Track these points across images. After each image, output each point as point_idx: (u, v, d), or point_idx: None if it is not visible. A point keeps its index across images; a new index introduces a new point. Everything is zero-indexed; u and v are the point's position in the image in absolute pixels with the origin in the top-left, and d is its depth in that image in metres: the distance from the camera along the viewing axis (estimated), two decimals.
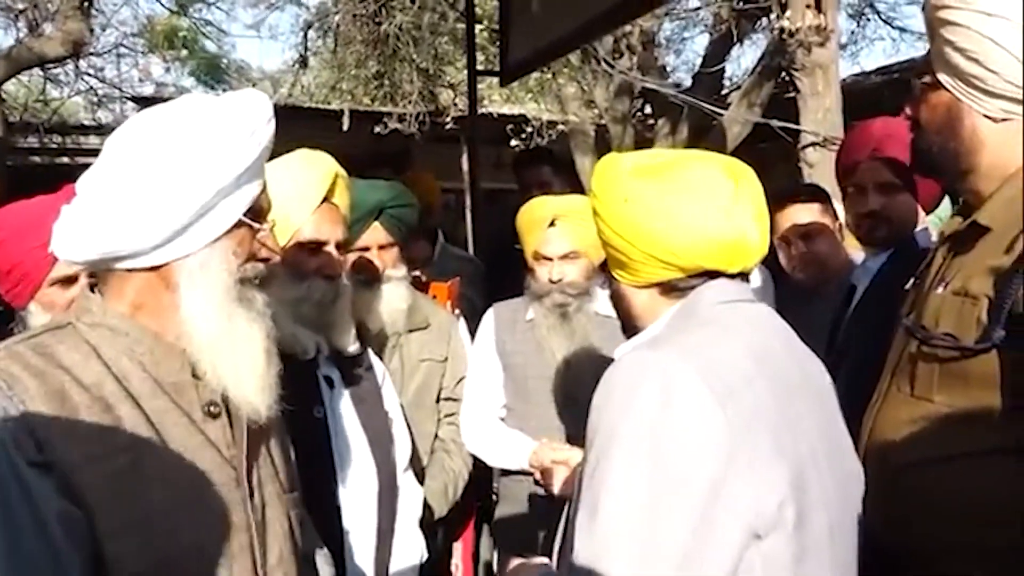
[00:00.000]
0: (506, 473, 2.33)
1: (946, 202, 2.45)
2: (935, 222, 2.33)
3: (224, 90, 14.16)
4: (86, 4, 7.31)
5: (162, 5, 11.48)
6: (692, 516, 0.98)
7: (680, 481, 0.99)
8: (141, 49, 12.10)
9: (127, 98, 10.42)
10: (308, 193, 1.73)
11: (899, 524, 1.33)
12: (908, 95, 1.50)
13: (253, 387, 1.15)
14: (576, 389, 2.21)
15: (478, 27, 7.63)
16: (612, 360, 2.25)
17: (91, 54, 10.25)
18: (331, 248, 1.74)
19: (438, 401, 2.41)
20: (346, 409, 1.78)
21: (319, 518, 1.67)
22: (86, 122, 10.41)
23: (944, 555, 1.26)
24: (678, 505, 0.98)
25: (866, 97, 6.01)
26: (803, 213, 2.49)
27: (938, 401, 1.29)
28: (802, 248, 2.49)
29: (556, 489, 2.14)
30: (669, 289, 1.20)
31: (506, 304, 2.43)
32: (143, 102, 7.78)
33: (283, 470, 1.30)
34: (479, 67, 5.32)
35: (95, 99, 10.99)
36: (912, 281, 1.58)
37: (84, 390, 1.05)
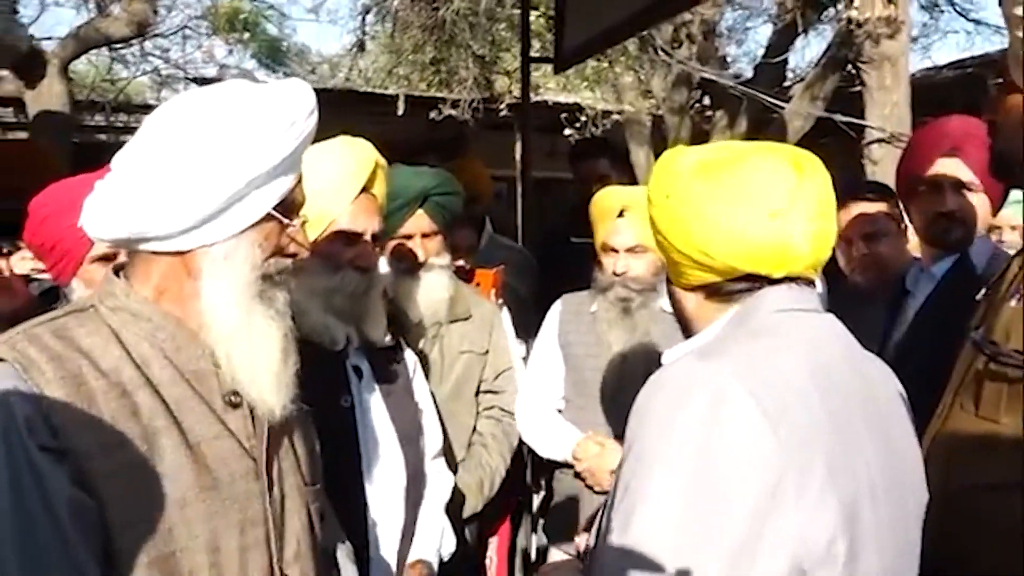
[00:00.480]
0: (558, 465, 2.31)
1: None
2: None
3: (285, 73, 14.39)
4: None
5: None
6: (731, 545, 0.92)
7: (721, 505, 0.93)
8: (205, 31, 12.32)
9: (190, 79, 10.62)
10: (346, 183, 1.69)
11: (952, 548, 1.24)
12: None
13: (267, 384, 1.11)
14: (631, 386, 2.14)
15: (535, 14, 7.54)
16: None
17: (157, 35, 10.48)
18: (367, 239, 1.71)
19: (477, 394, 2.37)
20: (375, 400, 1.75)
21: (345, 510, 1.65)
22: (151, 101, 10.65)
23: None
24: (716, 531, 0.92)
25: (936, 92, 5.77)
26: (867, 212, 2.37)
27: (1005, 423, 1.20)
28: (863, 249, 2.37)
29: (596, 486, 2.11)
30: (714, 293, 1.13)
31: (573, 296, 2.42)
32: (206, 83, 7.89)
33: (306, 462, 1.27)
34: (534, 54, 5.25)
35: (160, 79, 11.24)
36: (984, 291, 1.48)
37: (102, 375, 1.03)
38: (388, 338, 1.80)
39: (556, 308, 2.43)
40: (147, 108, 9.89)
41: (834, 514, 0.95)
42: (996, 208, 2.21)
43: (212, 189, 1.05)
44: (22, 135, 7.65)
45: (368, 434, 1.70)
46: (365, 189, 1.73)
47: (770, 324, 1.08)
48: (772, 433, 0.94)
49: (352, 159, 1.72)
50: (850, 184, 2.63)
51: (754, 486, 0.93)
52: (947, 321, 1.60)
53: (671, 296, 1.22)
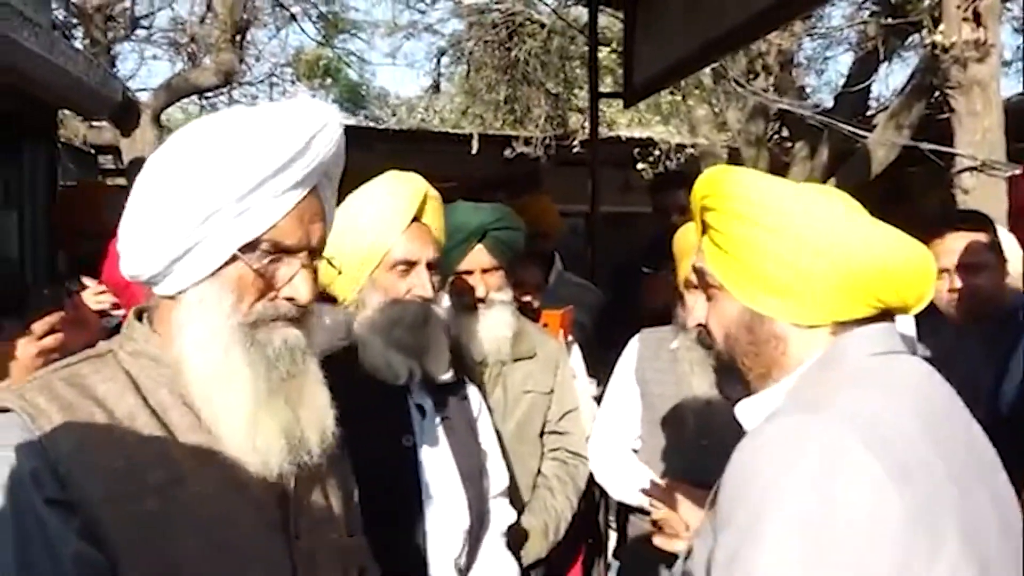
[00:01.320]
0: (633, 509, 2.22)
1: None
2: None
3: (365, 116, 14.83)
4: (238, 37, 7.80)
5: (309, 37, 12.15)
6: None
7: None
8: (289, 78, 12.84)
9: None
10: (397, 213, 1.69)
11: None
12: None
13: (243, 437, 1.01)
14: (711, 430, 2.09)
15: (606, 50, 7.55)
16: None
17: (245, 83, 10.98)
18: (422, 268, 1.69)
19: (542, 435, 2.31)
20: (438, 440, 1.71)
21: (404, 554, 1.61)
22: None
23: None
24: None
25: None
26: (964, 242, 2.23)
27: None
28: (960, 282, 2.22)
29: (667, 541, 1.99)
30: (838, 329, 1.03)
31: (653, 331, 2.33)
32: None
33: (341, 512, 1.20)
34: (605, 90, 5.22)
35: None
36: None
37: (116, 424, 0.98)
38: (451, 374, 1.76)
39: (634, 344, 2.34)
40: None
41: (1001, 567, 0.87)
42: None
43: (172, 230, 0.99)
44: (120, 181, 8.06)
45: (430, 474, 1.66)
46: (416, 219, 1.72)
47: (868, 369, 0.98)
48: (898, 496, 0.83)
49: (400, 190, 1.73)
50: (945, 213, 2.49)
51: (884, 556, 0.82)
52: None
53: (753, 331, 1.07)
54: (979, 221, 2.32)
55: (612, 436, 2.31)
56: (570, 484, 2.29)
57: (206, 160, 1.00)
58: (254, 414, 1.02)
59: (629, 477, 2.20)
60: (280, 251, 1.05)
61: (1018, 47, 8.64)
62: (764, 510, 0.86)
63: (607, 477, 2.28)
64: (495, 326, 2.13)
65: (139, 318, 1.10)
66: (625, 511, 2.36)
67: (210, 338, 1.01)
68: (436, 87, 9.92)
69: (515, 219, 2.26)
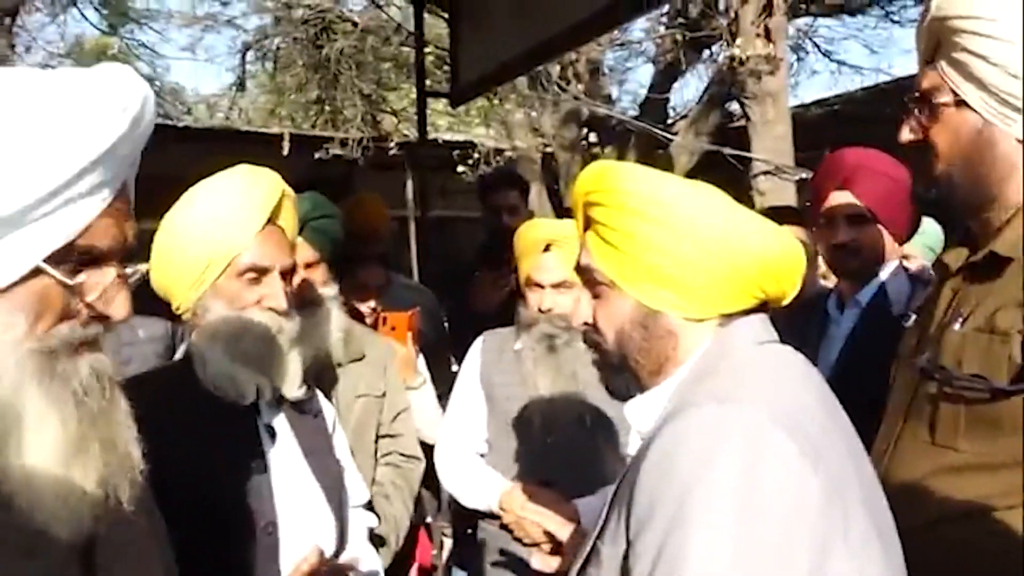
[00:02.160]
0: (482, 515, 2.17)
1: (933, 232, 2.39)
2: (928, 254, 2.26)
3: (157, 114, 13.66)
4: (8, 20, 6.93)
5: (92, 24, 11.08)
6: None
7: (774, 562, 0.83)
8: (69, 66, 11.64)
9: None
10: (249, 214, 1.52)
11: None
12: (905, 115, 1.38)
13: (49, 499, 0.81)
14: (558, 428, 2.10)
15: (425, 52, 7.49)
16: (597, 399, 2.09)
17: None
18: (275, 276, 1.53)
19: (376, 440, 2.23)
20: (293, 463, 1.56)
21: None
22: None
23: None
24: None
25: (809, 128, 6.07)
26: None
27: (964, 449, 1.16)
28: None
29: (525, 539, 1.96)
30: (724, 322, 1.04)
31: (495, 333, 2.30)
32: None
33: (153, 566, 1.01)
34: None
35: None
36: (912, 318, 1.46)
37: None
38: (304, 390, 1.61)
39: (477, 346, 2.30)
40: None
41: (879, 554, 0.89)
42: (909, 234, 2.26)
43: None
44: None
45: (286, 503, 1.50)
46: (271, 220, 1.56)
47: (757, 359, 1.00)
48: (815, 475, 0.86)
49: (254, 187, 1.55)
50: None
51: (806, 538, 0.84)
52: (875, 348, 1.59)
53: (642, 326, 1.06)
54: (799, 216, 2.50)
55: (459, 441, 2.26)
56: (405, 488, 2.25)
57: (5, 142, 0.76)
58: (66, 467, 0.81)
59: (479, 483, 2.16)
60: (94, 259, 0.83)
61: (791, 65, 9.59)
62: (690, 500, 0.85)
63: (456, 485, 2.23)
64: (324, 326, 1.99)
65: None
66: (463, 517, 2.31)
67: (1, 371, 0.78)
68: (241, 84, 9.39)
69: (330, 206, 2.17)
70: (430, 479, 2.56)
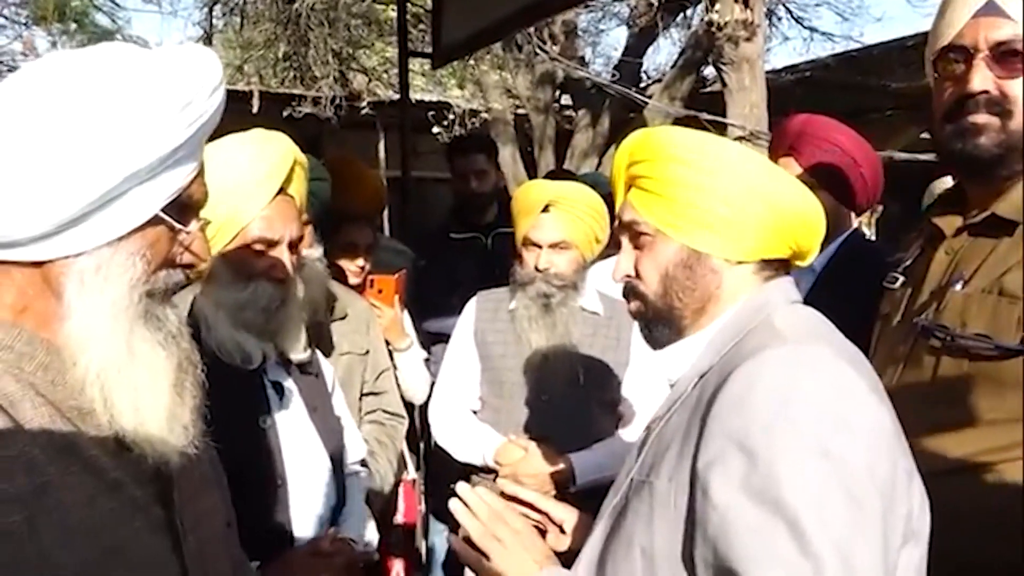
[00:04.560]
0: (475, 470, 2.22)
1: None
2: None
3: None
4: None
5: None
6: (879, 530, 0.88)
7: (861, 492, 0.88)
8: (24, 20, 11.20)
9: (8, 71, 9.63)
10: (261, 184, 1.49)
11: None
12: (969, 65, 1.30)
13: (156, 428, 0.91)
14: (552, 386, 2.15)
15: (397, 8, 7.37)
16: (591, 358, 2.14)
17: None
18: (283, 247, 1.52)
19: (360, 398, 2.26)
20: (298, 419, 1.59)
21: (268, 538, 1.49)
22: None
23: (968, 572, 1.19)
24: (870, 517, 0.88)
25: (780, 94, 6.13)
26: None
27: (966, 405, 1.22)
28: None
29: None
30: (764, 269, 1.11)
31: (490, 292, 2.34)
32: None
33: (220, 501, 1.11)
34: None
35: None
36: (899, 280, 1.51)
37: None
38: (307, 353, 1.64)
39: (471, 305, 2.34)
40: None
41: (919, 489, 0.97)
42: (863, 202, 2.26)
43: (78, 185, 0.83)
44: None
45: (293, 457, 1.54)
46: (282, 190, 1.54)
47: (799, 311, 1.07)
48: (885, 409, 0.93)
49: (268, 156, 1.52)
50: None
51: (885, 467, 0.90)
52: (844, 309, 1.64)
53: (692, 272, 1.10)
54: None
55: (452, 398, 2.31)
56: (390, 445, 2.28)
57: (134, 104, 0.85)
58: (171, 403, 0.90)
59: (473, 438, 2.22)
60: (191, 210, 0.94)
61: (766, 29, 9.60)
62: (773, 435, 0.89)
63: (449, 439, 2.28)
64: (313, 287, 2.01)
65: None
66: (444, 473, 2.35)
67: (113, 313, 0.87)
68: (208, 38, 9.14)
69: (321, 169, 2.17)
70: (410, 438, 2.61)
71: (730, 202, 1.06)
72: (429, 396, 2.51)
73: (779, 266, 1.12)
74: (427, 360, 2.80)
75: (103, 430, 0.90)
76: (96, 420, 0.90)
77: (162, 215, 0.90)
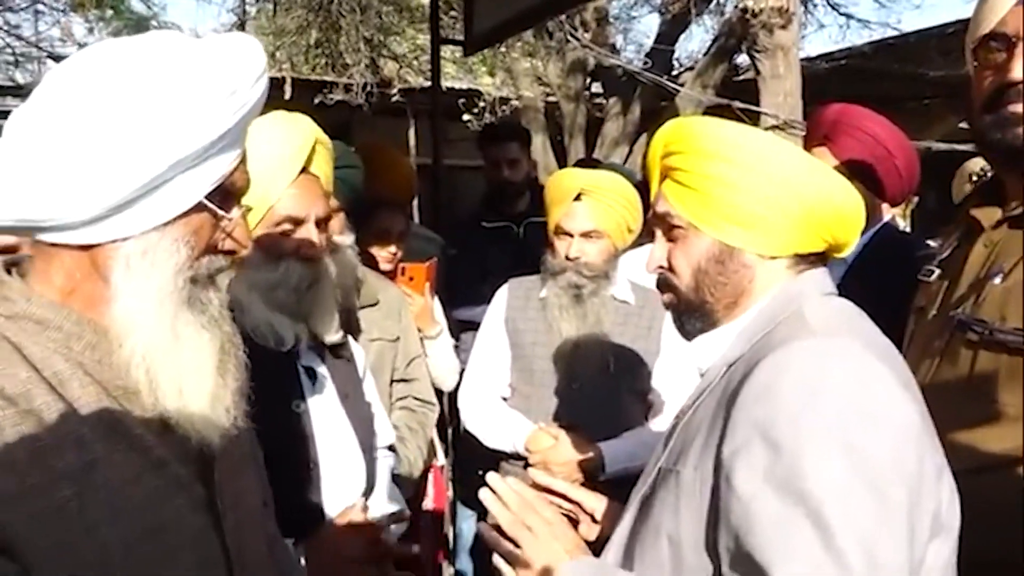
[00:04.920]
0: (505, 457, 2.24)
1: None
2: None
3: None
4: None
5: None
6: (903, 521, 0.88)
7: (886, 483, 0.87)
8: (62, 7, 11.36)
9: (48, 57, 9.79)
10: (284, 163, 1.53)
11: None
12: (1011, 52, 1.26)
13: (199, 409, 0.93)
14: (582, 375, 2.16)
15: None
16: (621, 347, 2.14)
17: (7, 10, 9.59)
18: (310, 225, 1.55)
19: (391, 384, 2.28)
20: (330, 404, 1.61)
21: (300, 520, 1.52)
22: (2, 82, 9.74)
23: (1000, 568, 1.18)
24: (894, 510, 0.87)
25: (815, 81, 6.04)
26: None
27: (1003, 401, 1.21)
28: None
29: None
30: (799, 263, 1.10)
31: (521, 280, 2.35)
32: None
33: (257, 481, 1.14)
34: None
35: (12, 58, 10.28)
36: (935, 273, 1.49)
37: (8, 403, 0.83)
38: (339, 335, 1.66)
39: (503, 293, 2.35)
40: None
41: (949, 484, 0.96)
42: (898, 192, 2.23)
43: (126, 171, 0.85)
44: None
45: (325, 441, 1.56)
46: (305, 169, 1.57)
47: (831, 303, 1.06)
48: (914, 403, 0.92)
49: (288, 136, 1.56)
50: None
51: (911, 460, 0.90)
52: (869, 300, 1.63)
53: (724, 267, 1.10)
54: None
55: (482, 385, 2.33)
56: (420, 432, 2.30)
57: (180, 92, 0.87)
58: (214, 385, 0.93)
59: (503, 425, 2.23)
60: (234, 198, 0.96)
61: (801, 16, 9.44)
62: (799, 425, 0.89)
63: (480, 426, 2.29)
64: (344, 273, 2.03)
65: (8, 272, 0.93)
66: (473, 460, 2.37)
67: (159, 297, 0.90)
68: (241, 25, 9.21)
69: (353, 156, 2.19)
70: (439, 424, 2.63)
71: (764, 199, 1.05)
72: (458, 384, 2.53)
73: (815, 259, 1.11)
74: (456, 347, 2.82)
75: (148, 410, 0.93)
76: (141, 400, 0.92)
77: (206, 202, 0.92)
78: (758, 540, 0.88)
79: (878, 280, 1.82)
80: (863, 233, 2.00)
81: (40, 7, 10.73)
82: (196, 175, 0.91)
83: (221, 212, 0.95)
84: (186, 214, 0.92)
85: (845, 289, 1.99)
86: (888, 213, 2.21)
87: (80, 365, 0.89)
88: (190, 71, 0.88)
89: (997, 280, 1.26)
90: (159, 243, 0.90)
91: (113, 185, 0.86)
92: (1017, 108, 1.26)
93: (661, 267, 1.16)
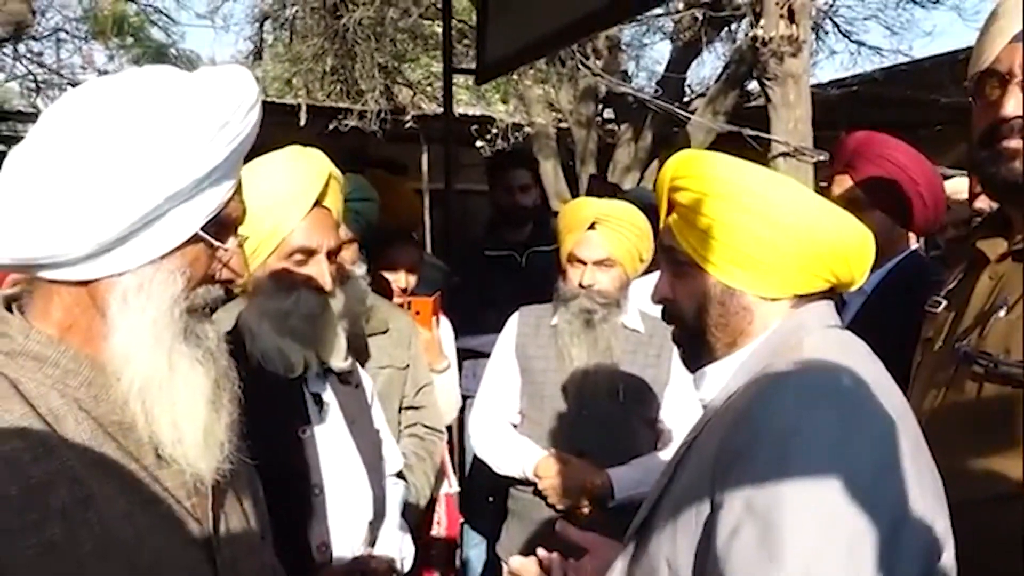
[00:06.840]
0: (514, 483, 2.25)
1: None
2: None
3: None
4: None
5: None
6: (882, 550, 0.88)
7: (867, 515, 0.88)
8: (83, 35, 11.59)
9: (69, 85, 9.97)
10: (298, 197, 1.56)
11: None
12: (1003, 88, 1.27)
13: (193, 443, 0.93)
14: (592, 401, 2.16)
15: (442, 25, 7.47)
16: (631, 374, 2.15)
17: (30, 38, 9.79)
18: (321, 256, 1.58)
19: (400, 411, 2.28)
20: (338, 430, 1.62)
21: (306, 548, 1.52)
22: (23, 109, 9.92)
23: None
24: (870, 540, 0.88)
25: (826, 108, 6.05)
26: None
27: (1009, 433, 1.20)
28: None
29: (558, 504, 2.02)
30: (796, 302, 1.11)
31: (532, 308, 2.37)
32: None
33: (253, 514, 1.13)
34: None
35: (34, 85, 10.48)
36: (943, 304, 1.49)
37: (3, 440, 0.83)
38: (348, 362, 1.67)
39: (514, 320, 2.37)
40: (20, 115, 9.25)
41: (943, 520, 0.97)
42: (921, 221, 2.23)
43: (121, 206, 0.86)
44: None
45: (331, 468, 1.57)
46: (318, 203, 1.60)
47: (829, 336, 1.06)
48: (902, 437, 0.93)
49: (303, 171, 1.60)
50: None
51: (893, 493, 0.91)
52: (881, 335, 1.62)
53: (725, 309, 1.11)
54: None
55: (492, 411, 2.33)
56: (428, 460, 2.29)
57: (172, 126, 0.88)
58: (208, 418, 0.93)
59: (513, 451, 2.23)
60: (229, 227, 0.97)
61: (812, 43, 9.49)
62: (785, 454, 0.90)
63: (489, 452, 2.30)
64: (355, 302, 2.05)
65: (9, 308, 0.93)
66: (482, 487, 2.37)
67: (155, 330, 0.90)
68: (258, 53, 9.36)
69: (370, 190, 2.23)
70: (450, 453, 2.63)
71: (765, 242, 1.06)
72: (458, 415, 2.53)
73: (818, 297, 1.11)
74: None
75: (143, 445, 0.93)
76: (137, 435, 0.93)
77: (201, 233, 0.93)
78: None
79: (895, 311, 1.81)
80: (886, 262, 2.04)
81: (62, 35, 10.96)
82: (191, 207, 0.92)
83: (216, 243, 0.96)
84: (182, 246, 0.92)
85: (863, 319, 2.00)
86: (913, 243, 2.19)
87: (76, 401, 0.89)
88: (181, 105, 0.89)
89: (1002, 313, 1.26)
90: (155, 276, 0.91)
91: (109, 221, 0.87)
92: (1010, 144, 1.26)
93: (665, 298, 1.17)
